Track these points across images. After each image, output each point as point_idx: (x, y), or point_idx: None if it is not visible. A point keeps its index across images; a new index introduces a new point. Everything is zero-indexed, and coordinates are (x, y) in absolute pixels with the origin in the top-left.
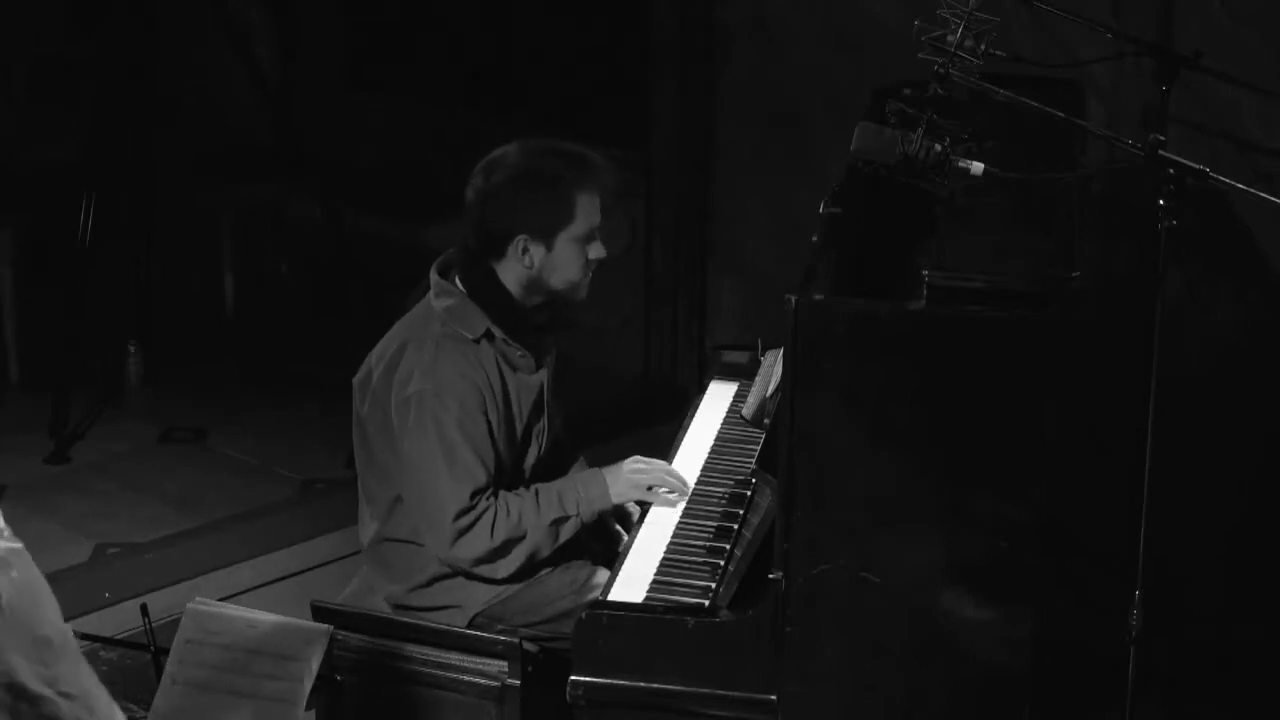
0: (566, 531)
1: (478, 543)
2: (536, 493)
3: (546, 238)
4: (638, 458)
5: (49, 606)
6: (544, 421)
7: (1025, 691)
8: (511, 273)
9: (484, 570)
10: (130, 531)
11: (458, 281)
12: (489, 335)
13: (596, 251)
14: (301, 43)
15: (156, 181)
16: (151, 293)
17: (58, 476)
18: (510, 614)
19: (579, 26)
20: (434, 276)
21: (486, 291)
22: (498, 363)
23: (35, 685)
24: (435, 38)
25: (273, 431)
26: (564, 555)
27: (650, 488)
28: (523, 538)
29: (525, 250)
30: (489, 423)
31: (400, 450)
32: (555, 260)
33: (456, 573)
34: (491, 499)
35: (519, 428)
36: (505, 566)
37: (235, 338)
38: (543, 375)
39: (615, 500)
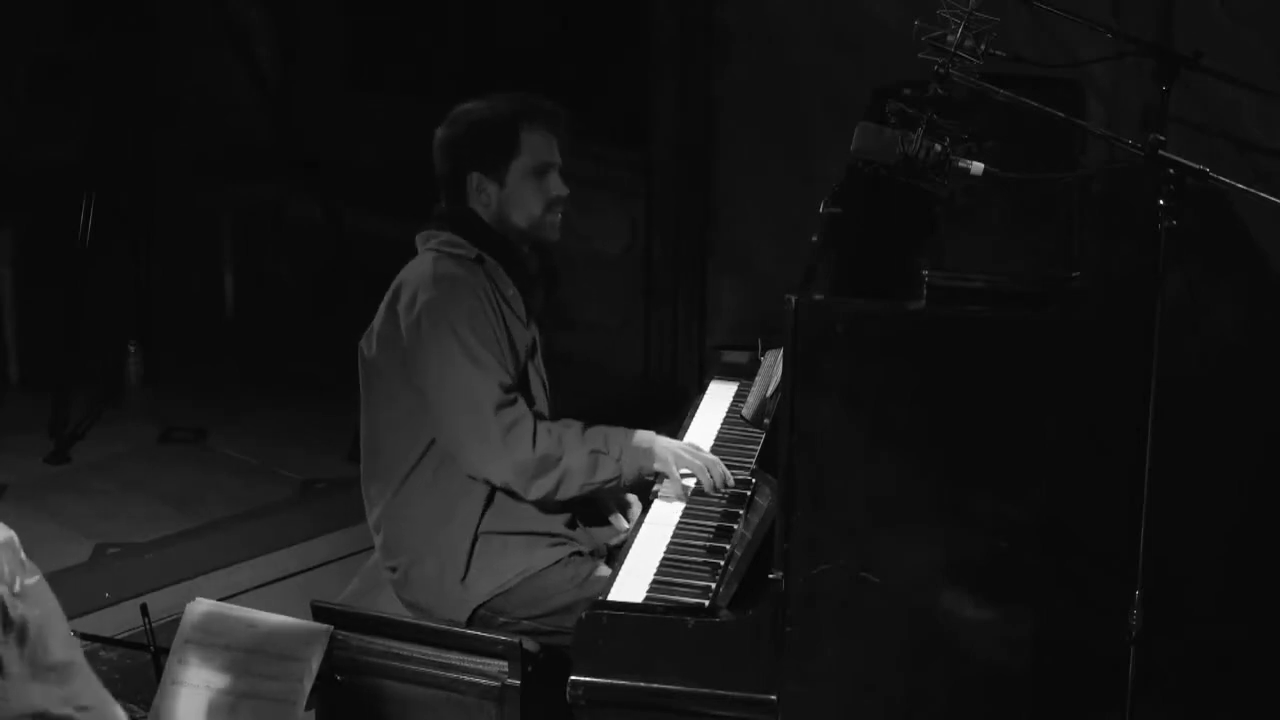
0: (603, 470)
1: (523, 445)
2: (582, 425)
3: (497, 172)
4: (692, 443)
5: (62, 631)
6: (544, 372)
7: (1025, 691)
8: (480, 215)
9: (519, 483)
10: (130, 531)
11: (443, 229)
12: (480, 260)
13: (557, 188)
14: (301, 43)
15: (156, 181)
16: (151, 293)
17: (58, 476)
18: (512, 607)
19: (579, 26)
20: (419, 236)
21: (471, 227)
22: (493, 290)
23: (58, 708)
24: (435, 37)
25: (273, 431)
26: (564, 523)
27: (686, 473)
28: (560, 458)
29: (480, 188)
30: (494, 328)
31: (423, 370)
32: (511, 195)
33: (468, 549)
34: (528, 410)
35: (519, 360)
36: (538, 487)
37: (235, 338)
38: (534, 332)
39: (657, 466)
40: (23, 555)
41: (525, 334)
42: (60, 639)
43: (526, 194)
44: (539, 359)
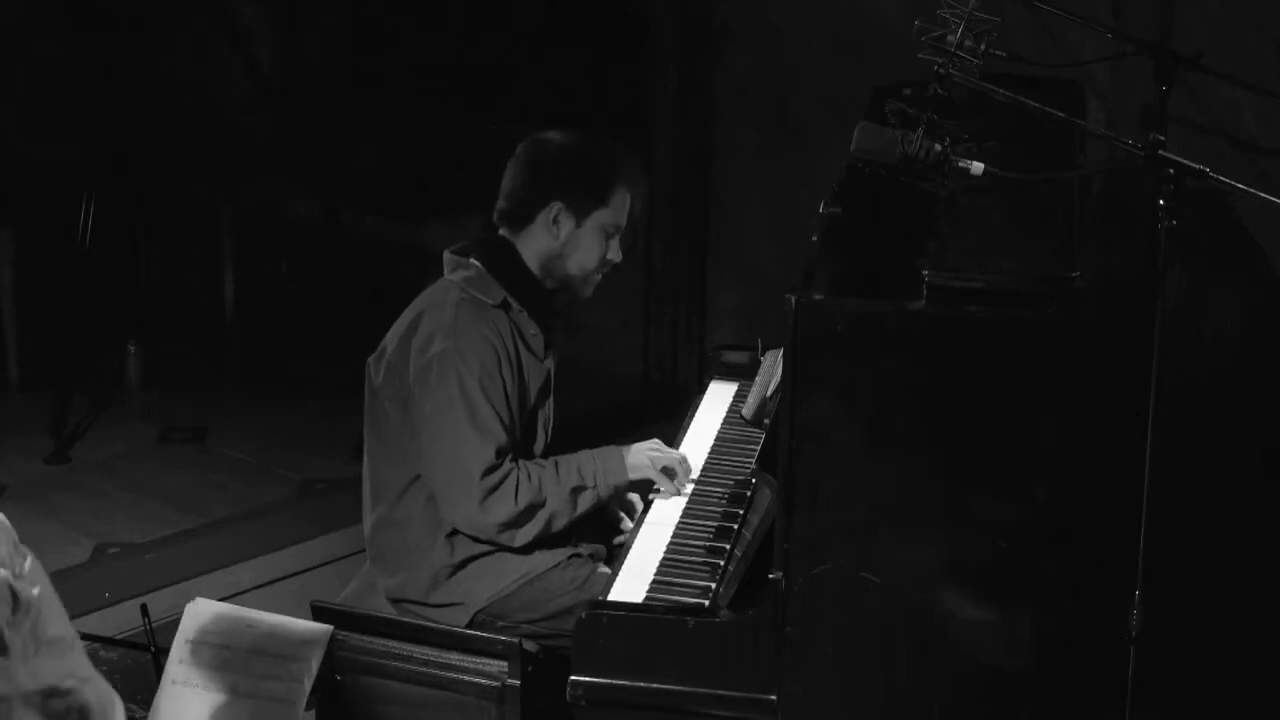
0: (584, 502)
1: (504, 504)
2: (555, 463)
3: (580, 212)
4: (656, 440)
5: (57, 607)
6: (550, 410)
7: (1025, 691)
8: (533, 246)
9: (504, 537)
10: (130, 531)
11: (474, 259)
12: (505, 305)
13: (614, 252)
14: (301, 43)
15: (156, 181)
16: (151, 293)
17: (58, 476)
18: (512, 611)
19: (579, 26)
20: (448, 256)
21: (504, 265)
22: (513, 334)
23: (65, 682)
24: (435, 38)
25: (273, 431)
26: (565, 539)
27: (665, 469)
28: (543, 504)
29: (556, 220)
30: (505, 385)
31: (421, 415)
32: (580, 239)
33: (462, 562)
34: (514, 463)
35: (528, 406)
36: (525, 534)
37: (235, 338)
38: (550, 364)
39: (631, 475)
40: (11, 531)
41: (540, 370)
42: (57, 615)
43: (593, 246)
44: (549, 399)
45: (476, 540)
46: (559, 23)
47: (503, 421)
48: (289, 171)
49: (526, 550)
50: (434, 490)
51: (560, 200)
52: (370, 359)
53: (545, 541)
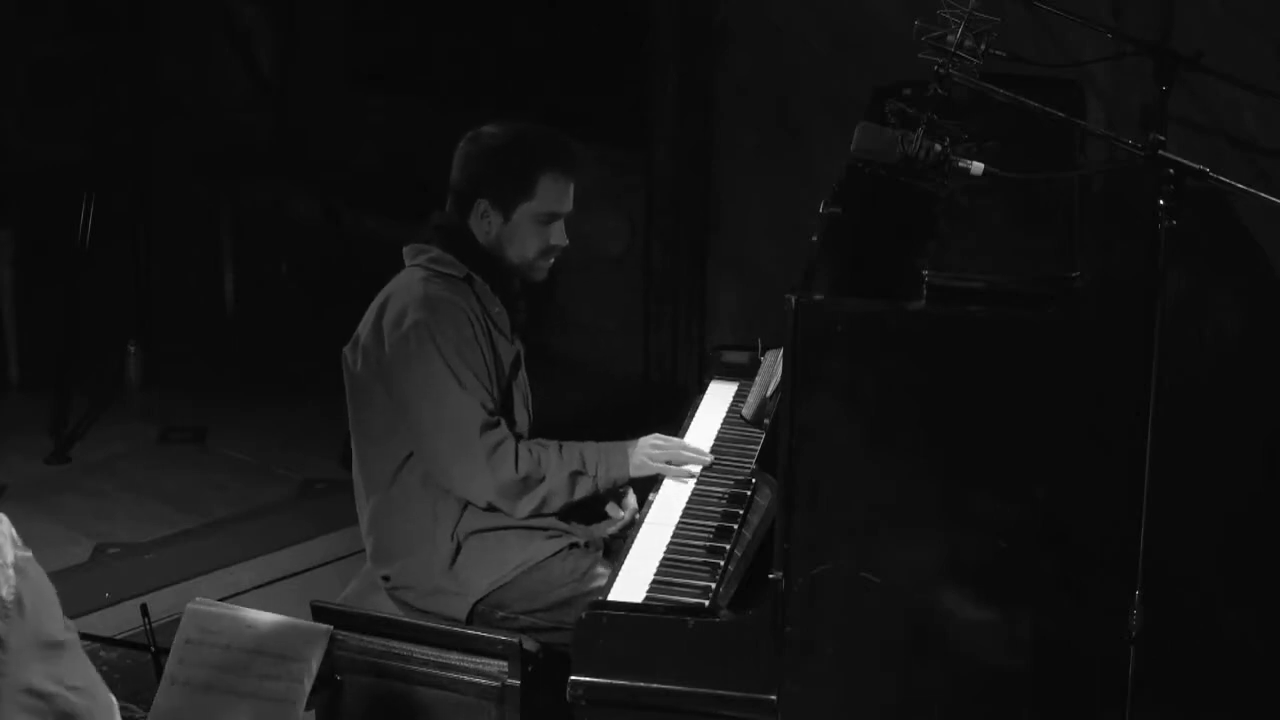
0: (581, 489)
1: (506, 466)
2: (560, 445)
3: (505, 208)
4: (656, 435)
5: (56, 608)
6: (526, 388)
7: (1025, 691)
8: (478, 237)
9: (504, 504)
10: (130, 531)
11: (433, 245)
12: (469, 280)
13: (558, 237)
14: (301, 43)
15: (156, 181)
16: (151, 293)
17: (58, 476)
18: (511, 601)
19: (579, 26)
20: (407, 248)
21: (463, 244)
22: (481, 308)
23: (48, 685)
24: (436, 38)
25: (273, 431)
26: (568, 516)
27: (668, 462)
28: (542, 480)
29: (485, 215)
30: (482, 352)
31: (405, 390)
32: (511, 232)
33: (462, 542)
34: (510, 432)
35: (503, 378)
36: (522, 506)
37: (235, 338)
38: (518, 346)
39: (633, 473)
40: (12, 530)
41: (510, 349)
42: (55, 617)
43: (527, 236)
44: (522, 374)
45: (479, 510)
46: (559, 23)
47: (484, 386)
48: (289, 171)
49: (526, 538)
50: (432, 462)
51: (484, 198)
52: (345, 349)
53: (547, 514)
